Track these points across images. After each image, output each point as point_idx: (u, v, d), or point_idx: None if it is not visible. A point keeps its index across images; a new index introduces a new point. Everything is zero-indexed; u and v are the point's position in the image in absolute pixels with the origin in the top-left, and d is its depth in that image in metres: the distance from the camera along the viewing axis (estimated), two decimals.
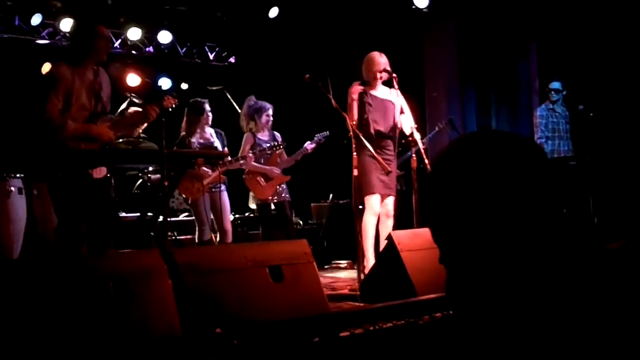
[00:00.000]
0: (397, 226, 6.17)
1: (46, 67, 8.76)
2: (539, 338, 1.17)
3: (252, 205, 7.53)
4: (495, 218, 1.22)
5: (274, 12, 9.32)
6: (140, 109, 5.33)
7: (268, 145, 7.17)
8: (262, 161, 7.27)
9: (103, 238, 4.96)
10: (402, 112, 6.32)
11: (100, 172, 5.07)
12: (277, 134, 7.42)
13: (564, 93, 8.32)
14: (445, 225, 1.28)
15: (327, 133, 7.32)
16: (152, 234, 5.76)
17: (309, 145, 7.32)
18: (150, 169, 7.39)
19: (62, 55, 5.35)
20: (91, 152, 4.87)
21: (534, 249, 1.22)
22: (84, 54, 5.04)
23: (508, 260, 1.23)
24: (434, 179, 1.29)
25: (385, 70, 6.23)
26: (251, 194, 7.39)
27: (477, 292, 1.30)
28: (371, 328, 3.61)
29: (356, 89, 6.22)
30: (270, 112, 7.33)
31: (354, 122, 5.95)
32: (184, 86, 8.26)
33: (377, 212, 6.14)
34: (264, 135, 7.31)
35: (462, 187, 1.25)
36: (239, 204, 8.44)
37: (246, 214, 8.98)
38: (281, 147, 7.22)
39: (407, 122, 6.25)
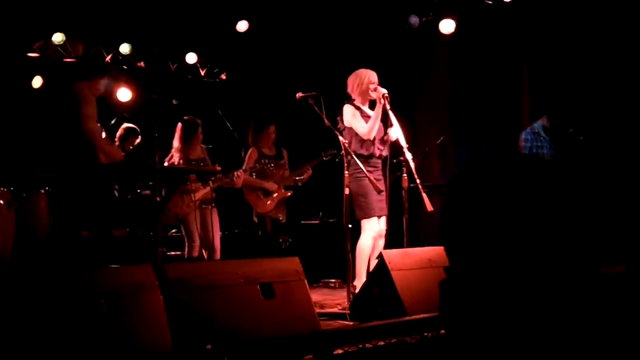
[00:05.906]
0: (386, 246, 6.14)
1: (37, 81, 8.75)
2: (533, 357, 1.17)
3: (255, 219, 7.53)
4: (511, 235, 1.24)
5: (242, 25, 9.09)
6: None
7: (264, 160, 7.20)
8: (265, 175, 7.30)
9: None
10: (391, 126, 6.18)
11: None
12: (284, 150, 7.47)
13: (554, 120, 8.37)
14: (461, 238, 1.29)
15: (334, 151, 7.22)
16: (142, 249, 5.74)
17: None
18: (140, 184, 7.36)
19: (77, 74, 5.50)
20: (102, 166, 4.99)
21: (546, 269, 1.24)
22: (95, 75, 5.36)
23: (517, 277, 1.24)
24: (452, 195, 1.31)
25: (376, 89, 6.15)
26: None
27: (475, 311, 1.31)
28: (360, 346, 3.61)
29: (351, 106, 6.17)
30: (272, 128, 7.37)
31: (347, 142, 5.87)
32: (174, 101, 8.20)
33: (376, 234, 6.04)
34: (269, 151, 7.34)
35: (479, 204, 1.26)
36: (227, 222, 8.41)
37: (235, 231, 8.95)
38: (270, 165, 7.21)
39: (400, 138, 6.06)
